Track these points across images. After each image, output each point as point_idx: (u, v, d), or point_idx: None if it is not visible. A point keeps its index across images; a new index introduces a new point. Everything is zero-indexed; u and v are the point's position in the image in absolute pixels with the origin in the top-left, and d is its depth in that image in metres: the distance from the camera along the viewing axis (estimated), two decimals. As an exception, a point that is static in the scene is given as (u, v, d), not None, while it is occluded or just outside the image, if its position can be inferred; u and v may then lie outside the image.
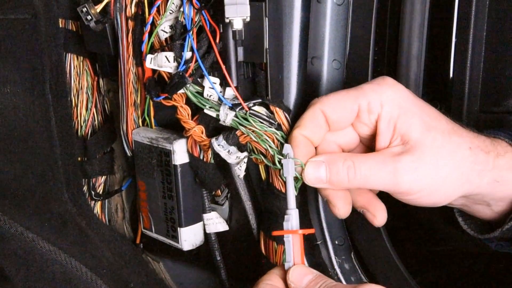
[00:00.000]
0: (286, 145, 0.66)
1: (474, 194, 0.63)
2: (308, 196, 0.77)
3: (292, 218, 0.65)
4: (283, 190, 0.71)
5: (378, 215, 0.66)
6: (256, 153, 0.72)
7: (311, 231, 0.70)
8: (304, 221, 0.77)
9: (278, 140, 0.69)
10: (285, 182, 0.66)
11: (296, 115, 0.74)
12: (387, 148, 0.62)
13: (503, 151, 0.63)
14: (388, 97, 0.62)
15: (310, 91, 0.75)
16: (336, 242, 0.79)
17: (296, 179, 0.66)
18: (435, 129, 0.61)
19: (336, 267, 0.79)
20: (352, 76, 0.73)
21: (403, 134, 0.61)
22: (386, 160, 0.61)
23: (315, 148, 0.66)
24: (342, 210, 0.66)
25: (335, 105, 0.64)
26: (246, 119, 0.70)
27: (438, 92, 0.77)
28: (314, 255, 0.79)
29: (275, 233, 0.67)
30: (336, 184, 0.63)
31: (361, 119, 0.64)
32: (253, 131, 0.70)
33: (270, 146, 0.69)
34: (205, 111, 0.73)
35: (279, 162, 0.67)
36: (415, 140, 0.60)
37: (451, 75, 0.75)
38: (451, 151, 0.60)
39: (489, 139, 0.63)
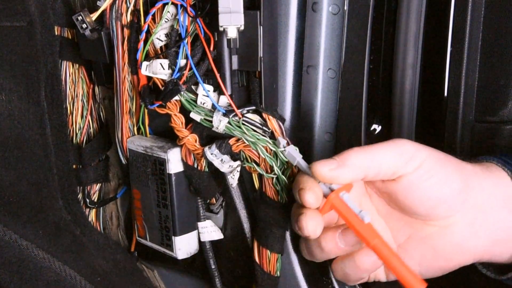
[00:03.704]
0: (279, 138, 0.68)
1: None
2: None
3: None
4: (276, 199, 0.71)
5: None
6: (249, 161, 0.72)
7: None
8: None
9: (270, 149, 0.69)
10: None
11: (291, 124, 0.74)
12: None
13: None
14: None
15: (305, 100, 0.75)
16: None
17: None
18: None
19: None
20: (348, 85, 0.73)
21: None
22: None
23: None
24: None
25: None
26: (239, 127, 0.70)
27: (434, 101, 0.77)
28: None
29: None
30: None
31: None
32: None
33: (265, 145, 0.70)
34: (192, 114, 0.73)
35: (282, 153, 0.68)
36: None
37: (446, 84, 0.75)
38: None
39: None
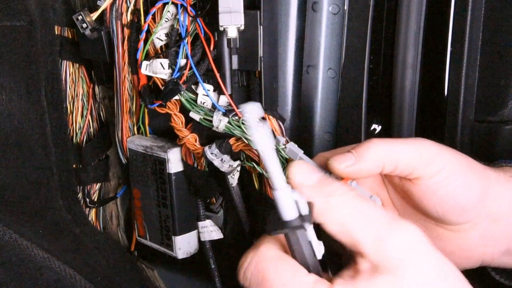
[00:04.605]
0: (278, 137, 0.67)
1: None
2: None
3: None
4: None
5: None
6: (249, 161, 0.72)
7: None
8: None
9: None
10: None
11: (291, 123, 0.74)
12: None
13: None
14: None
15: (305, 100, 0.75)
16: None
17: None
18: None
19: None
20: (348, 85, 0.73)
21: None
22: None
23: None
24: None
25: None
26: (239, 126, 0.70)
27: (434, 101, 0.77)
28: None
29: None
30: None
31: None
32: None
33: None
34: (191, 114, 0.73)
35: (283, 150, 0.66)
36: None
37: (446, 84, 0.75)
38: None
39: None
